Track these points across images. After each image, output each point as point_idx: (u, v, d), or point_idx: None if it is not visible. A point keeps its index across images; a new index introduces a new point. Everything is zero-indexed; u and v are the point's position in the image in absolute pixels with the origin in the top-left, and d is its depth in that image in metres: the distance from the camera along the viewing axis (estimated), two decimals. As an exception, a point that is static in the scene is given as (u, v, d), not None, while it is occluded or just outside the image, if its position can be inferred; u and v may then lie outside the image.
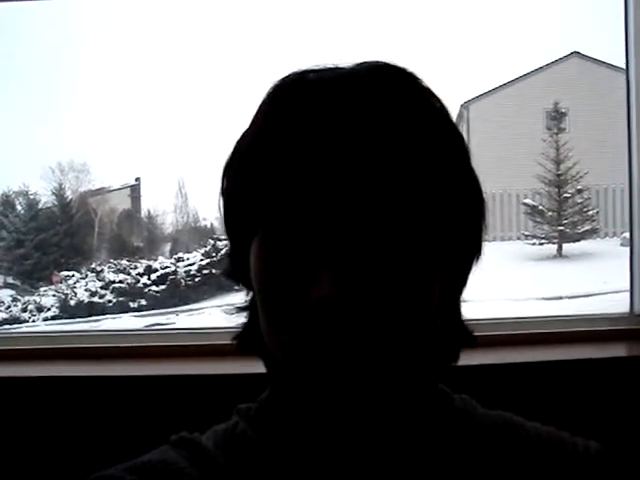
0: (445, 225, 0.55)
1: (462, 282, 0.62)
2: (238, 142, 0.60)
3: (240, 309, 0.65)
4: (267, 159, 0.53)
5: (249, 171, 0.55)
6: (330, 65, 0.58)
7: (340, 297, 0.49)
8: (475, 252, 0.61)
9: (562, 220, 6.00)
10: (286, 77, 0.58)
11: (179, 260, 6.66)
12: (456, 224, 0.56)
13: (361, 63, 0.57)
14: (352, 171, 0.51)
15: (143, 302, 6.38)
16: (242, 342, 0.64)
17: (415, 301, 0.53)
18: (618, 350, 1.36)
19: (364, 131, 0.52)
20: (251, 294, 0.63)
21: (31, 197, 7.04)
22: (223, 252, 6.33)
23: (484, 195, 0.60)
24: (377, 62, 0.57)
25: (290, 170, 0.52)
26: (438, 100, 0.57)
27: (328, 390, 0.53)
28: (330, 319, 0.50)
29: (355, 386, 0.52)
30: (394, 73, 0.56)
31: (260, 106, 0.58)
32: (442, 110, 0.57)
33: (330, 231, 0.51)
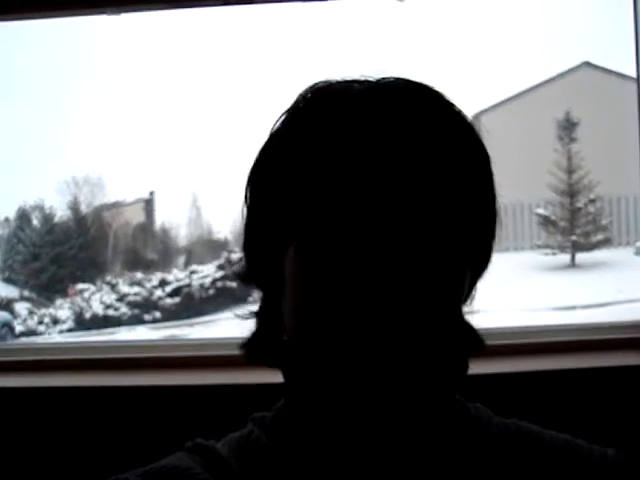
0: (470, 236, 0.56)
1: (471, 289, 0.63)
2: (263, 150, 0.60)
3: (255, 314, 0.65)
4: (308, 167, 0.54)
5: (287, 178, 0.55)
6: (356, 77, 0.58)
7: (382, 303, 0.51)
8: (485, 264, 0.62)
9: (575, 230, 5.96)
10: (323, 84, 0.58)
11: (193, 272, 6.67)
12: (476, 233, 0.58)
13: (385, 78, 0.58)
14: (392, 182, 0.52)
15: (157, 314, 6.40)
16: (251, 351, 0.64)
17: (447, 307, 0.55)
18: (633, 358, 1.36)
19: (402, 143, 0.53)
20: (263, 300, 0.64)
21: (47, 211, 7.11)
22: (238, 265, 6.33)
23: (499, 210, 0.61)
24: (405, 79, 0.58)
25: (332, 179, 0.53)
26: (469, 120, 0.59)
27: (355, 388, 0.53)
28: (370, 323, 0.51)
29: (382, 384, 0.53)
30: (429, 91, 0.58)
31: (296, 113, 0.58)
32: (474, 131, 0.58)
33: (371, 239, 0.52)
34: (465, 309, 0.62)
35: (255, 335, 0.64)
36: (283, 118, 0.59)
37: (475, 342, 0.63)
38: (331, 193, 0.53)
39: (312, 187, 0.54)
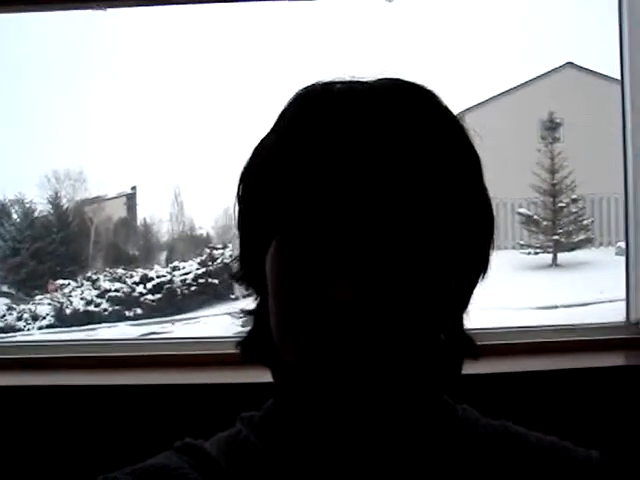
0: (458, 238, 0.56)
1: (468, 296, 0.63)
2: (257, 148, 0.61)
3: (247, 313, 0.65)
4: (291, 166, 0.54)
5: (271, 176, 0.56)
6: (349, 78, 0.59)
7: (359, 302, 0.50)
8: (482, 267, 0.62)
9: (557, 229, 6.01)
10: (311, 87, 0.59)
11: (175, 269, 6.65)
12: (468, 238, 0.58)
13: (381, 78, 0.59)
14: (373, 181, 0.52)
15: (139, 311, 6.36)
16: (247, 350, 0.65)
17: (428, 308, 0.54)
18: (615, 359, 1.37)
19: (387, 144, 0.53)
20: (258, 300, 0.64)
21: (27, 205, 7.03)
22: (220, 262, 6.33)
23: (494, 214, 0.61)
24: (398, 78, 0.59)
25: (313, 178, 0.53)
26: (457, 119, 0.59)
27: (337, 393, 0.53)
28: (348, 322, 0.51)
29: (364, 391, 0.53)
30: (417, 90, 0.58)
31: (283, 113, 0.59)
32: (461, 129, 0.59)
33: (349, 238, 0.52)
34: (462, 315, 0.62)
35: (250, 334, 0.65)
36: (275, 119, 0.60)
37: (468, 349, 0.63)
38: (307, 193, 0.53)
39: (291, 186, 0.54)
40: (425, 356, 0.56)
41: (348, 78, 0.59)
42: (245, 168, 0.61)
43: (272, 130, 0.60)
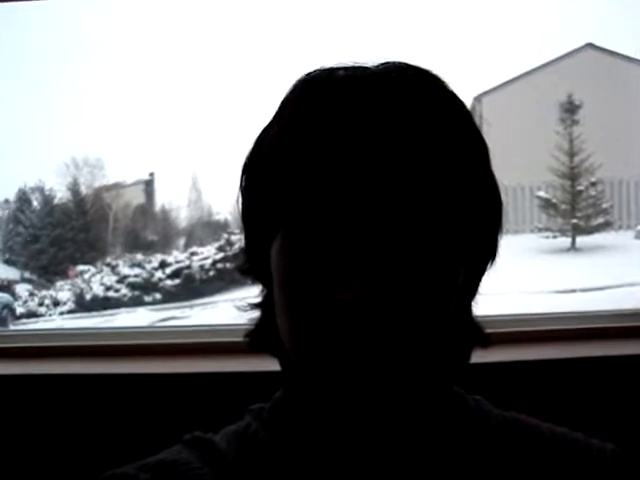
0: (467, 229, 0.55)
1: (476, 284, 0.62)
2: (260, 138, 0.59)
3: (253, 306, 0.65)
4: (294, 157, 0.53)
5: (274, 168, 0.55)
6: (353, 63, 0.57)
7: (368, 299, 0.49)
8: (491, 255, 0.61)
9: (576, 213, 5.94)
10: (312, 74, 0.57)
11: (193, 254, 6.68)
12: (476, 228, 0.57)
13: (385, 63, 0.57)
14: (380, 173, 0.51)
15: (158, 296, 6.42)
16: (254, 340, 0.64)
17: (438, 304, 0.53)
18: (634, 348, 1.35)
19: (394, 133, 0.51)
20: (264, 291, 0.64)
21: (47, 193, 7.10)
22: (238, 247, 6.34)
23: (502, 200, 0.60)
24: (403, 63, 0.57)
25: (317, 169, 0.52)
26: (463, 105, 0.57)
27: (345, 389, 0.53)
28: (356, 321, 0.50)
29: (374, 386, 0.52)
30: (423, 75, 0.56)
31: (285, 102, 0.57)
32: (467, 115, 0.57)
33: (357, 232, 0.51)
34: (471, 304, 0.62)
35: (258, 324, 0.64)
36: (277, 108, 0.58)
37: (477, 337, 0.62)
38: (311, 185, 0.52)
39: (295, 178, 0.53)
40: (435, 349, 0.55)
41: (351, 64, 0.57)
42: (248, 159, 0.60)
43: (274, 119, 0.58)
